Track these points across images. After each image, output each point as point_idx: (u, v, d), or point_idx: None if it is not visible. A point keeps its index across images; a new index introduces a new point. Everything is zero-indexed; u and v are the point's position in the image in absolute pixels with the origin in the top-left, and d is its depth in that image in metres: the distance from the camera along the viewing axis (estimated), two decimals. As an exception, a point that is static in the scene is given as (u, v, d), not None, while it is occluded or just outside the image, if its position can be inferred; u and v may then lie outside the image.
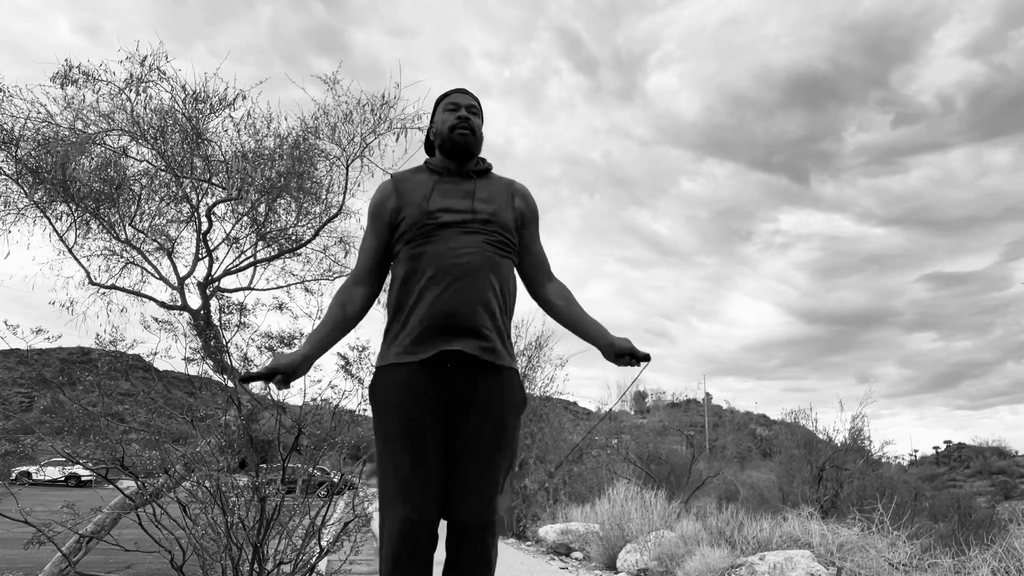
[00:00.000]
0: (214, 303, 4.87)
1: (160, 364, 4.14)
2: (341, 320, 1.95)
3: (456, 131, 1.99)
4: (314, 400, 3.87)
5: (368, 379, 2.02)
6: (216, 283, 5.05)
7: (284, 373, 1.83)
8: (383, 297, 2.22)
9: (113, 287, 5.20)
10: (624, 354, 2.00)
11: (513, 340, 12.44)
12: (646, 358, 2.01)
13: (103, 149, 4.87)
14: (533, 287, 2.12)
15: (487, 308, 1.84)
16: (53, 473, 22.12)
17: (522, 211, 2.05)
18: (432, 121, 2.12)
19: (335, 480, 4.12)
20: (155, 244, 5.12)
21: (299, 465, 3.93)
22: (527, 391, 12.39)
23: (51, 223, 4.85)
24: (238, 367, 3.96)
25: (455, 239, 1.86)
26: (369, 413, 1.98)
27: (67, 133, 4.69)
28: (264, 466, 3.78)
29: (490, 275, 1.87)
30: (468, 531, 1.80)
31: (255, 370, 1.82)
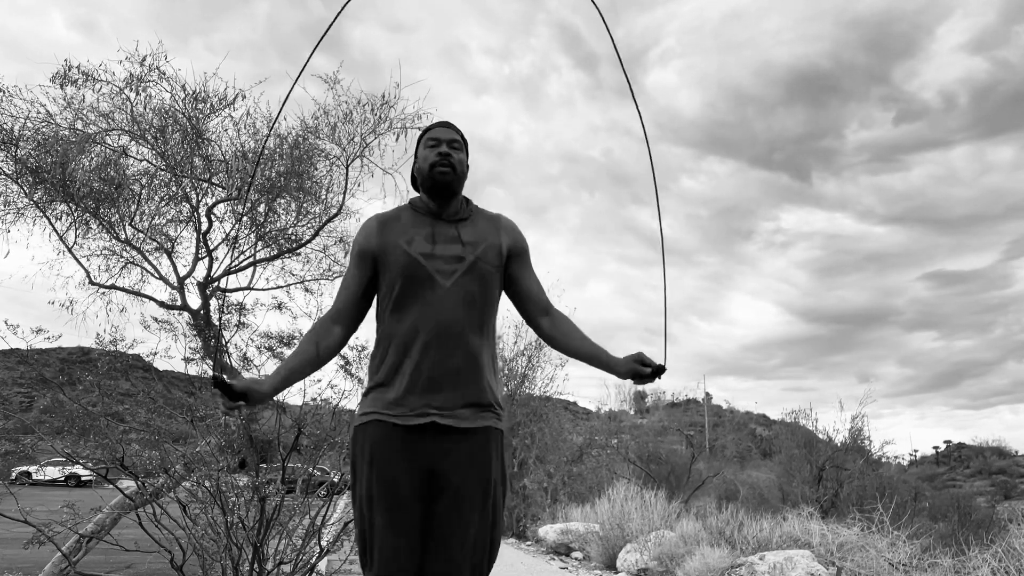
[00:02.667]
0: (214, 303, 4.87)
1: (160, 364, 4.15)
2: (313, 357, 1.92)
3: (436, 169, 1.94)
4: (314, 400, 3.87)
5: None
6: (216, 283, 5.05)
7: (249, 400, 1.80)
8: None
9: (113, 287, 5.20)
10: (637, 373, 1.96)
11: (513, 340, 12.23)
12: (662, 369, 1.96)
13: (103, 149, 4.87)
14: (530, 320, 2.08)
15: (474, 367, 1.83)
16: (53, 473, 22.10)
17: (510, 248, 2.01)
18: (415, 156, 2.08)
19: (335, 480, 4.12)
20: (155, 244, 5.12)
21: (299, 465, 3.93)
22: (527, 391, 12.39)
23: (51, 223, 4.85)
24: (238, 367, 3.97)
25: (439, 294, 1.83)
26: None
27: (67, 133, 4.69)
28: (264, 466, 3.78)
29: (474, 333, 1.85)
30: None
31: (231, 381, 1.76)
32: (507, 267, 2.01)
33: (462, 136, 2.05)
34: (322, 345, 1.93)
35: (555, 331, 2.05)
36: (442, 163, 1.94)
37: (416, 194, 2.07)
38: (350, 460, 1.87)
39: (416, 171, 2.04)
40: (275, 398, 3.78)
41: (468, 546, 1.75)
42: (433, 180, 1.95)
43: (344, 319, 1.96)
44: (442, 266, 1.86)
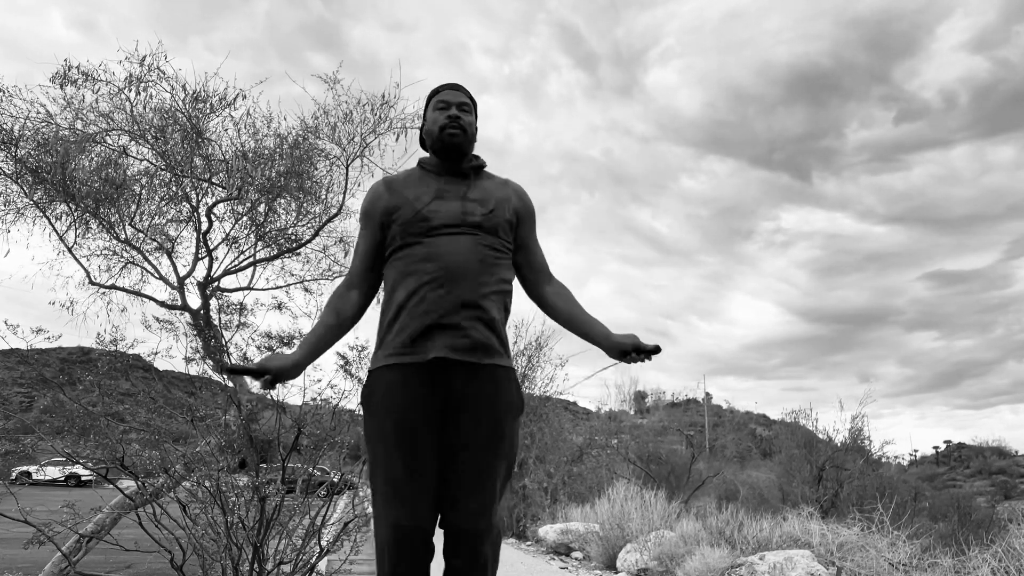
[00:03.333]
0: (214, 303, 4.87)
1: (160, 364, 4.15)
2: (334, 325, 1.91)
3: (446, 131, 1.94)
4: (314, 400, 3.87)
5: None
6: (216, 283, 5.05)
7: (273, 374, 1.78)
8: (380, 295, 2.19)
9: (113, 287, 5.20)
10: (630, 351, 1.93)
11: (513, 340, 12.35)
12: (656, 350, 1.93)
13: (103, 149, 4.87)
14: (531, 288, 2.07)
15: (480, 309, 1.80)
16: (53, 473, 22.12)
17: (518, 210, 2.00)
18: (424, 118, 2.07)
19: (335, 480, 4.12)
20: (155, 244, 5.12)
21: (299, 465, 3.93)
22: (527, 391, 12.39)
23: (51, 223, 4.85)
24: (239, 362, 3.96)
25: (447, 241, 1.82)
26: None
27: (67, 133, 4.69)
28: (264, 466, 3.78)
29: (483, 275, 1.82)
30: (464, 538, 1.73)
31: (240, 365, 1.77)
32: (515, 231, 1.99)
33: (471, 98, 2.04)
34: (342, 313, 1.92)
35: (557, 299, 2.04)
36: (452, 125, 1.93)
37: (425, 155, 2.06)
38: (363, 409, 1.85)
39: (425, 133, 2.03)
40: (275, 398, 3.79)
41: (487, 493, 1.74)
42: (443, 142, 1.94)
43: (359, 283, 1.95)
44: (452, 220, 1.85)
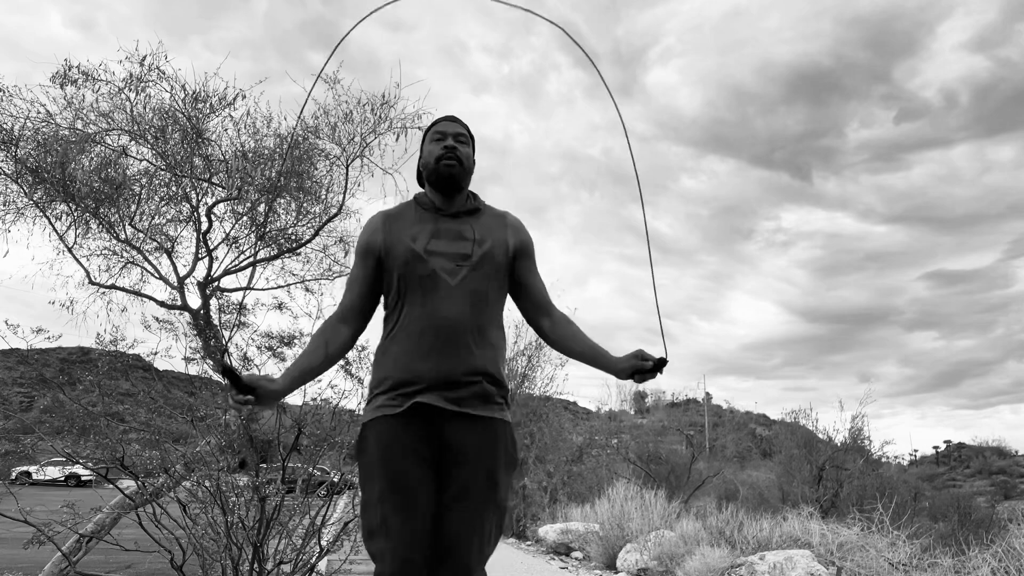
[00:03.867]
0: (214, 303, 4.87)
1: (160, 364, 4.15)
2: (322, 358, 1.90)
3: (442, 162, 1.91)
4: (314, 400, 3.87)
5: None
6: (216, 283, 5.05)
7: (257, 397, 1.77)
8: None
9: (113, 287, 5.19)
10: (637, 370, 1.92)
11: (513, 340, 12.27)
12: (663, 362, 1.91)
13: (103, 149, 4.87)
14: (532, 321, 2.06)
15: (476, 362, 1.80)
16: (53, 473, 22.12)
17: (515, 247, 1.98)
18: (421, 152, 2.04)
19: (335, 480, 4.12)
20: (155, 244, 5.12)
21: (299, 465, 3.93)
22: (527, 391, 12.39)
23: (51, 223, 4.85)
24: (238, 367, 3.96)
25: (443, 290, 1.81)
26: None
27: (66, 133, 4.69)
28: (264, 466, 3.78)
29: (481, 326, 1.83)
30: None
31: (241, 373, 1.74)
32: (513, 266, 1.98)
33: (468, 131, 2.02)
34: (331, 345, 1.91)
35: (556, 333, 2.03)
36: (448, 156, 1.91)
37: (421, 190, 2.04)
38: (358, 460, 1.84)
39: (422, 166, 2.01)
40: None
41: (476, 545, 1.74)
42: (439, 174, 1.92)
43: (351, 318, 1.94)
44: (448, 264, 1.84)
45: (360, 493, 1.85)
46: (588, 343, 2.00)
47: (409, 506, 1.71)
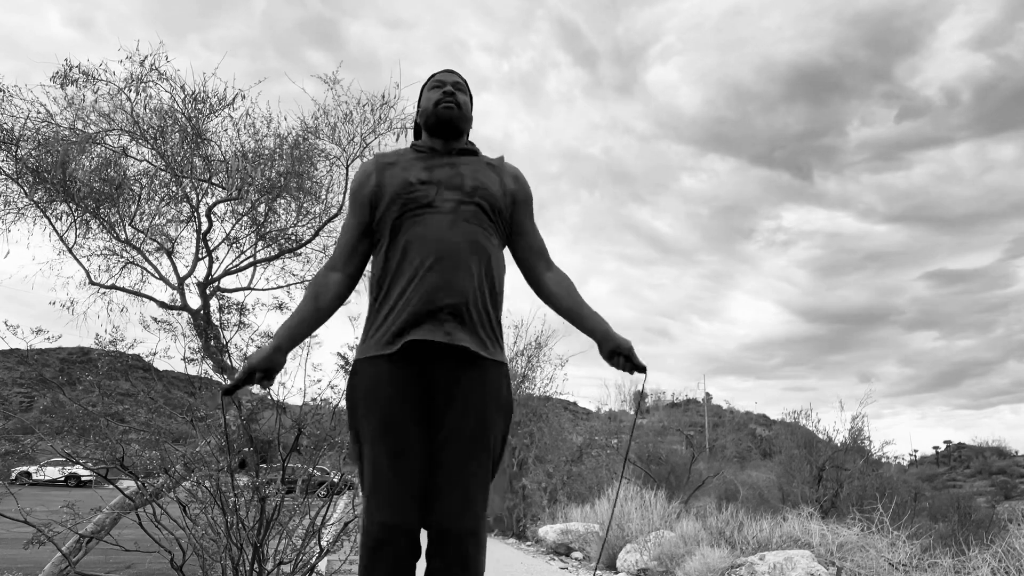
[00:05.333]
0: (214, 303, 4.87)
1: (160, 364, 4.14)
2: (312, 310, 1.82)
3: (441, 106, 1.89)
4: (314, 400, 3.87)
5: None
6: (216, 283, 5.05)
7: (261, 370, 1.74)
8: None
9: (113, 287, 5.20)
10: (618, 355, 1.87)
11: (513, 340, 12.29)
12: (641, 368, 1.85)
13: (103, 149, 4.87)
14: (530, 274, 1.97)
15: (470, 296, 1.72)
16: (53, 473, 22.11)
17: (513, 192, 1.91)
18: (419, 104, 2.01)
19: (335, 480, 4.12)
20: (155, 244, 5.12)
21: (299, 465, 3.93)
22: (527, 391, 12.39)
23: (51, 223, 4.85)
24: (238, 367, 3.96)
25: (437, 218, 1.74)
26: None
27: (67, 133, 4.70)
28: (264, 466, 3.78)
29: (475, 260, 1.74)
30: (449, 538, 1.64)
31: (232, 380, 1.70)
32: (512, 213, 1.92)
33: (465, 81, 2.01)
34: (321, 297, 1.84)
35: (557, 287, 1.95)
36: (446, 100, 1.90)
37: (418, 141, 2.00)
38: (347, 402, 1.78)
39: (419, 115, 1.99)
40: (275, 398, 3.79)
41: (471, 489, 1.68)
42: (437, 116, 1.90)
43: (342, 265, 1.87)
44: (442, 193, 1.77)
45: (351, 442, 1.78)
46: (584, 305, 1.93)
47: (402, 460, 1.65)
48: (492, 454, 1.74)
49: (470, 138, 2.05)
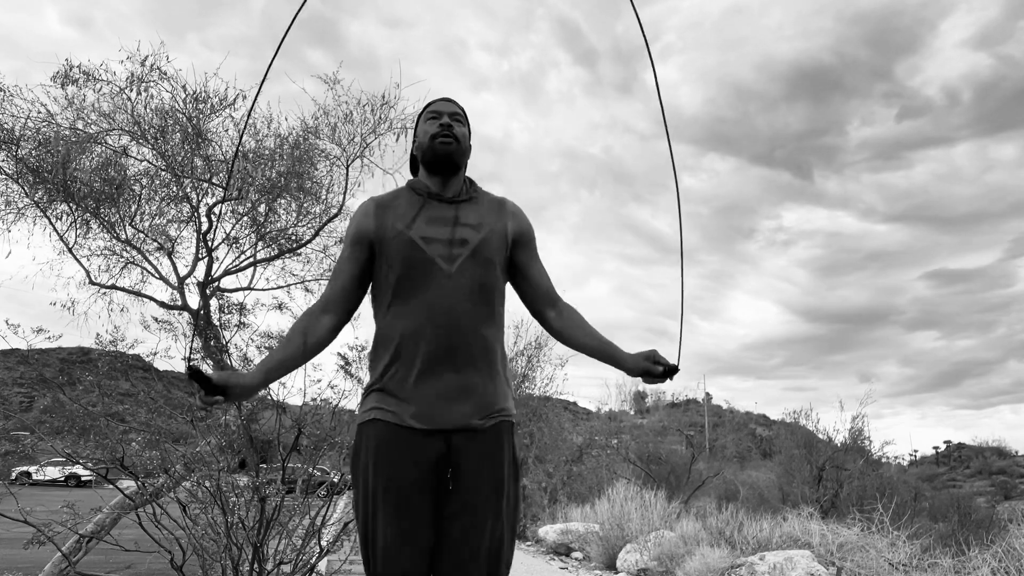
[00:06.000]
0: (214, 303, 4.88)
1: (160, 364, 4.15)
2: (300, 349, 1.77)
3: (437, 140, 1.82)
4: (314, 400, 3.87)
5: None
6: (216, 283, 5.05)
7: (228, 396, 1.66)
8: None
9: (113, 287, 5.20)
10: (646, 371, 1.83)
11: (513, 340, 12.24)
12: (675, 370, 1.82)
13: (103, 149, 4.87)
14: (537, 314, 1.95)
15: (482, 367, 1.71)
16: (53, 473, 22.11)
17: (515, 233, 1.88)
18: (415, 136, 1.94)
19: (335, 480, 4.12)
20: (155, 244, 5.13)
21: (299, 465, 3.93)
22: (527, 391, 12.39)
23: (51, 223, 4.85)
24: (238, 367, 3.97)
25: (440, 281, 1.71)
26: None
27: (68, 133, 4.70)
28: (264, 466, 3.78)
29: (483, 324, 1.73)
30: None
31: (209, 373, 1.59)
32: (512, 255, 1.88)
33: (463, 111, 1.93)
34: (310, 337, 1.78)
35: (563, 324, 1.92)
36: (443, 134, 1.82)
37: (415, 178, 1.94)
38: (351, 461, 1.74)
39: (416, 148, 1.92)
40: (275, 398, 3.79)
41: (482, 555, 1.63)
42: (434, 152, 1.82)
43: (335, 308, 1.81)
44: (444, 250, 1.74)
45: (354, 509, 1.73)
46: (598, 336, 1.90)
47: (407, 526, 1.61)
48: (510, 520, 1.72)
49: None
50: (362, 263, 1.82)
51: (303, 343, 1.77)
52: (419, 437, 1.66)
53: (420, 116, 1.95)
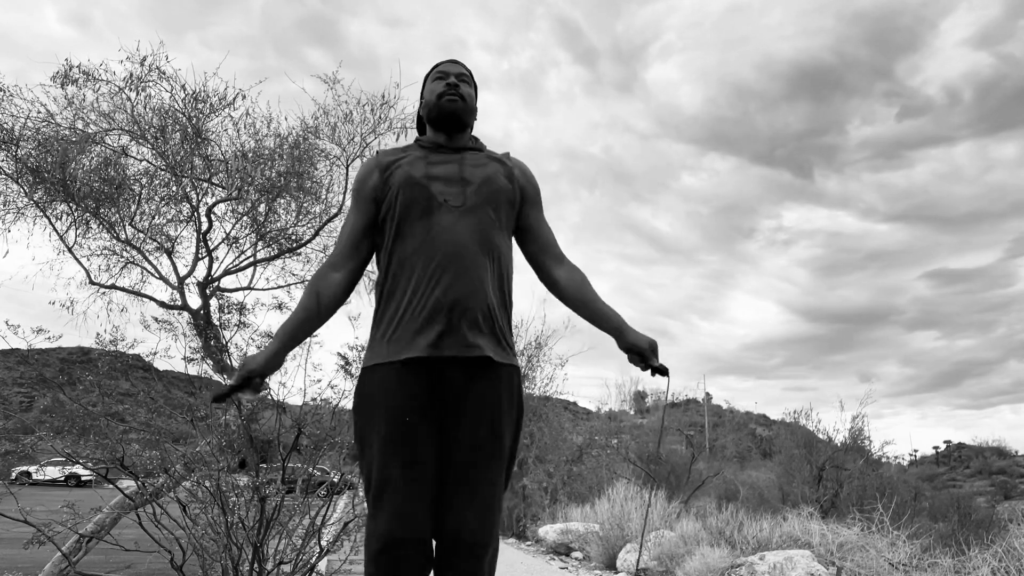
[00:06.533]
0: (214, 303, 4.87)
1: (160, 364, 4.14)
2: (314, 310, 1.75)
3: (444, 98, 1.81)
4: (314, 400, 3.87)
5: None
6: (216, 283, 5.05)
7: (258, 375, 1.68)
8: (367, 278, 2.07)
9: (113, 287, 5.20)
10: (636, 352, 1.80)
11: (513, 339, 12.50)
12: (663, 371, 1.79)
13: (103, 148, 4.87)
14: (540, 270, 1.91)
15: (484, 300, 1.67)
16: (53, 473, 22.10)
17: (521, 186, 1.86)
18: (422, 96, 1.93)
19: (335, 480, 4.12)
20: (155, 244, 5.12)
21: (299, 465, 3.93)
22: (527, 391, 12.40)
23: (51, 223, 4.85)
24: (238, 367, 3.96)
25: (445, 217, 1.68)
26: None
27: (67, 132, 4.70)
28: (264, 466, 3.78)
29: (486, 260, 1.69)
30: (462, 549, 1.59)
31: (226, 386, 1.60)
32: (519, 210, 1.86)
33: (470, 72, 1.94)
34: (323, 296, 1.76)
35: (571, 282, 1.87)
36: (450, 93, 1.82)
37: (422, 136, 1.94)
38: (354, 409, 1.72)
39: (422, 108, 1.92)
40: (274, 397, 3.79)
41: (486, 500, 1.62)
42: (440, 109, 1.82)
43: (344, 263, 1.80)
44: (448, 188, 1.72)
45: (357, 450, 1.71)
46: (599, 301, 1.87)
47: (414, 467, 1.59)
48: (505, 462, 1.70)
49: (474, 131, 1.99)
50: (367, 216, 1.80)
51: (317, 303, 1.76)
52: (422, 374, 1.64)
53: (427, 76, 1.95)
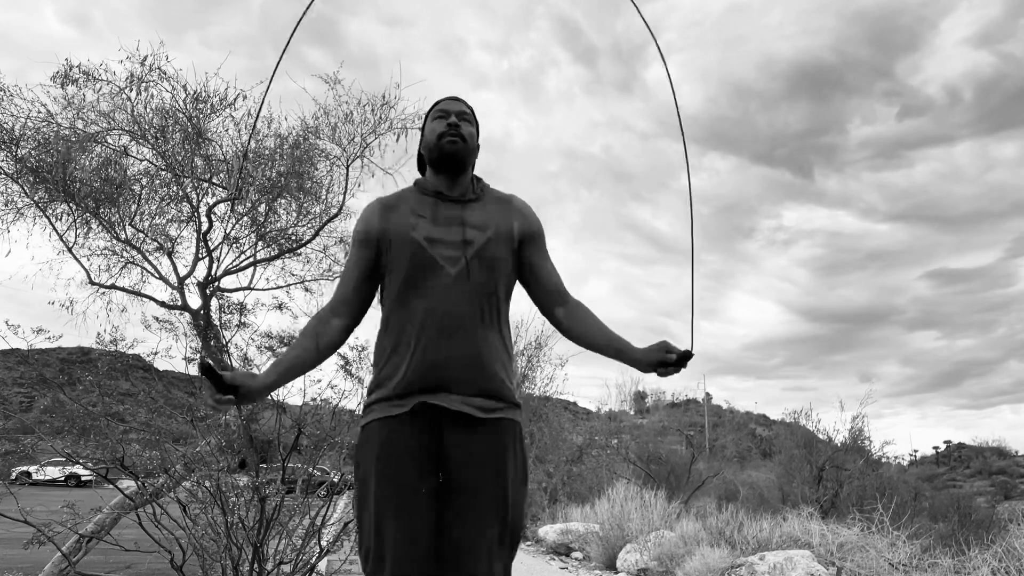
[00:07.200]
0: (214, 303, 4.88)
1: (160, 364, 4.14)
2: (313, 352, 1.77)
3: (444, 139, 1.80)
4: (314, 400, 3.87)
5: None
6: (216, 283, 5.05)
7: (240, 395, 1.66)
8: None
9: (113, 287, 5.20)
10: (660, 364, 1.80)
11: (513, 340, 12.41)
12: (688, 355, 1.78)
13: (103, 148, 4.87)
14: (546, 312, 1.93)
15: (481, 359, 1.69)
16: (53, 473, 22.10)
17: (522, 231, 1.86)
18: (422, 134, 1.92)
19: (335, 480, 4.12)
20: (155, 244, 5.12)
21: (299, 465, 3.93)
22: (527, 391, 12.39)
23: (51, 222, 4.85)
24: (239, 366, 3.96)
25: (445, 279, 1.70)
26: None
27: (67, 132, 4.70)
28: (264, 466, 3.78)
29: (485, 325, 1.72)
30: None
31: (222, 372, 1.59)
32: (520, 253, 1.87)
33: (471, 110, 1.92)
34: (322, 340, 1.78)
35: (572, 322, 1.89)
36: (450, 133, 1.80)
37: (422, 177, 1.93)
38: (354, 463, 1.73)
39: (423, 147, 1.90)
40: (275, 398, 3.79)
41: (485, 554, 1.61)
42: (441, 151, 1.81)
43: (344, 310, 1.81)
44: (448, 252, 1.73)
45: (355, 508, 1.71)
46: (607, 333, 1.87)
47: (408, 513, 1.59)
48: (512, 528, 1.68)
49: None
50: (369, 264, 1.81)
51: (315, 346, 1.78)
52: (421, 428, 1.64)
53: (428, 114, 1.93)
